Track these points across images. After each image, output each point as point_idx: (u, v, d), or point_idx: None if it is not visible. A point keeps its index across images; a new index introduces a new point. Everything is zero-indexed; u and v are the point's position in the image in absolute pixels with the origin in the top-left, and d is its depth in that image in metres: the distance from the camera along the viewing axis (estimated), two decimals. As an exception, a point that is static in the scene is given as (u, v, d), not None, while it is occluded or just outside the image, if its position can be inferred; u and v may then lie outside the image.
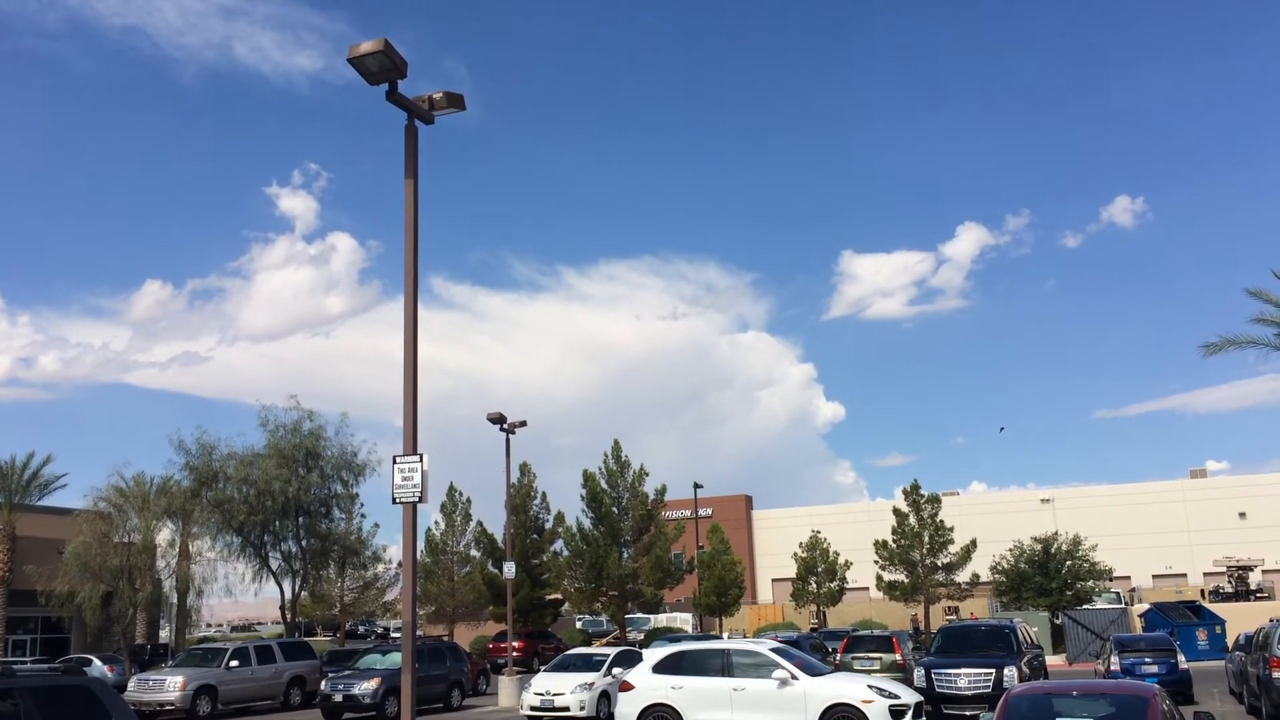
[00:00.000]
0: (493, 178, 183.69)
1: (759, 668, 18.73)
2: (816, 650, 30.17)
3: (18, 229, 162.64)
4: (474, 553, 53.50)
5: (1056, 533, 52.27)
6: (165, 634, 52.64)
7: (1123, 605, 53.04)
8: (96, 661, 37.02)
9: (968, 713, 20.71)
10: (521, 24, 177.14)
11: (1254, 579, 66.97)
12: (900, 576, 52.06)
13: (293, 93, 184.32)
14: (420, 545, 48.02)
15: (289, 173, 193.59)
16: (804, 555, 60.26)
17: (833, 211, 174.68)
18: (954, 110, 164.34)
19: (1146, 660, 26.43)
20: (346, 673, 28.66)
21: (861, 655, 26.86)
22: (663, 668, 19.50)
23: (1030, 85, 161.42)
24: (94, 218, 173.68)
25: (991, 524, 71.80)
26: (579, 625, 60.73)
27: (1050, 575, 49.16)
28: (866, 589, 65.26)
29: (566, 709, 23.79)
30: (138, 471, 41.78)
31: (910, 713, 17.86)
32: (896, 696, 18.07)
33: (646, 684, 19.31)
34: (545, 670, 26.95)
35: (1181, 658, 27.08)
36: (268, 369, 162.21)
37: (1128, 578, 78.47)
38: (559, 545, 51.49)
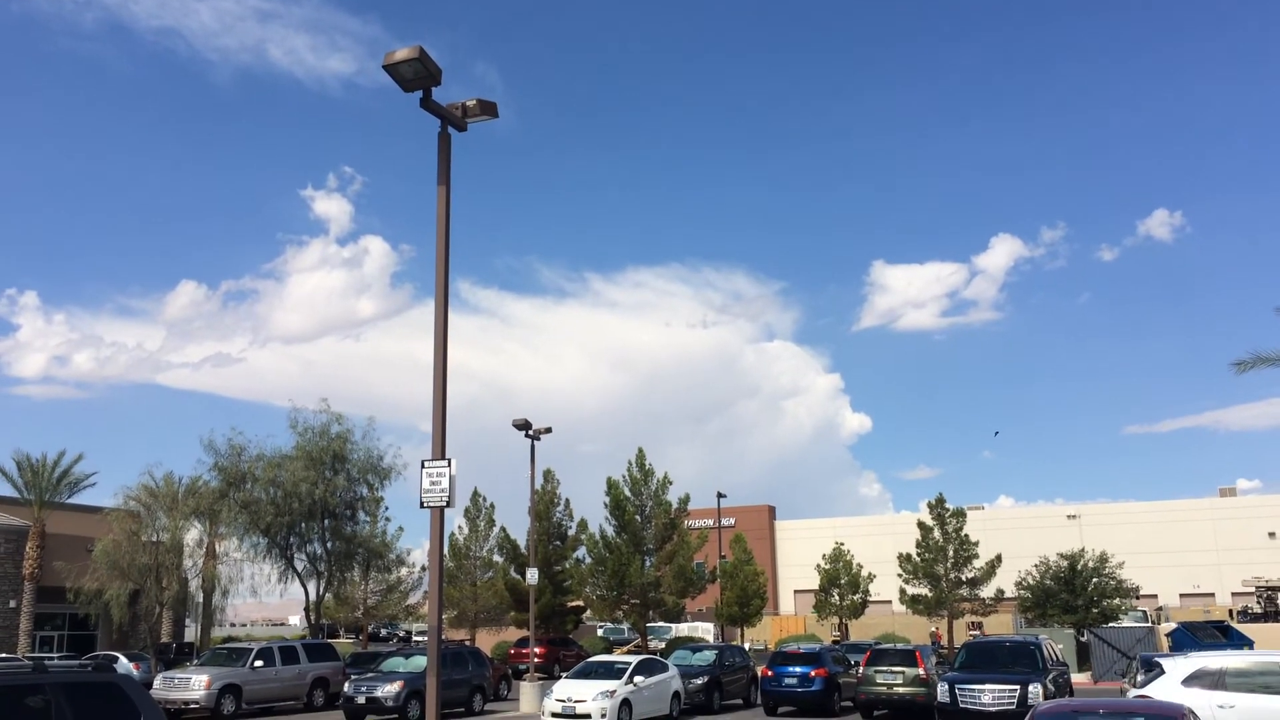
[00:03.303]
0: (521, 182, 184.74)
1: None
2: (840, 663, 30.06)
3: (53, 229, 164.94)
4: (497, 558, 53.60)
5: (1083, 549, 51.78)
6: (190, 633, 53.02)
7: (1149, 624, 52.54)
8: (123, 659, 37.31)
9: (992, 729, 20.55)
10: (554, 31, 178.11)
11: (1283, 600, 66.11)
12: (924, 590, 51.69)
13: (326, 96, 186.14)
14: (444, 550, 48.23)
15: (324, 176, 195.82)
16: (827, 567, 60.01)
17: (864, 221, 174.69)
18: (988, 120, 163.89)
19: (1174, 680, 26.11)
20: (369, 675, 28.80)
21: (884, 669, 26.66)
22: (1198, 682, 16.64)
23: (1067, 96, 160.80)
24: (129, 218, 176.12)
25: (1017, 539, 71.32)
26: (600, 633, 60.72)
27: (1076, 592, 48.67)
28: (889, 602, 64.95)
29: (588, 716, 23.80)
30: (167, 471, 42.14)
31: None
32: None
33: (1180, 700, 15.94)
34: (567, 677, 26.98)
35: (1209, 678, 26.75)
36: (298, 371, 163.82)
37: (1155, 596, 77.67)
38: (581, 552, 51.55)
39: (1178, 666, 17.31)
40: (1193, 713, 10.89)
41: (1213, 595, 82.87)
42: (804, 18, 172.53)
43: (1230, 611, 66.75)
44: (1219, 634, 43.48)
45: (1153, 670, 17.73)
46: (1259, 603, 64.31)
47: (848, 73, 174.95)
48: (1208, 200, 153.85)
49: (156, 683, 29.01)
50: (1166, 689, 16.72)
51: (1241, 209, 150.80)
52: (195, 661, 34.07)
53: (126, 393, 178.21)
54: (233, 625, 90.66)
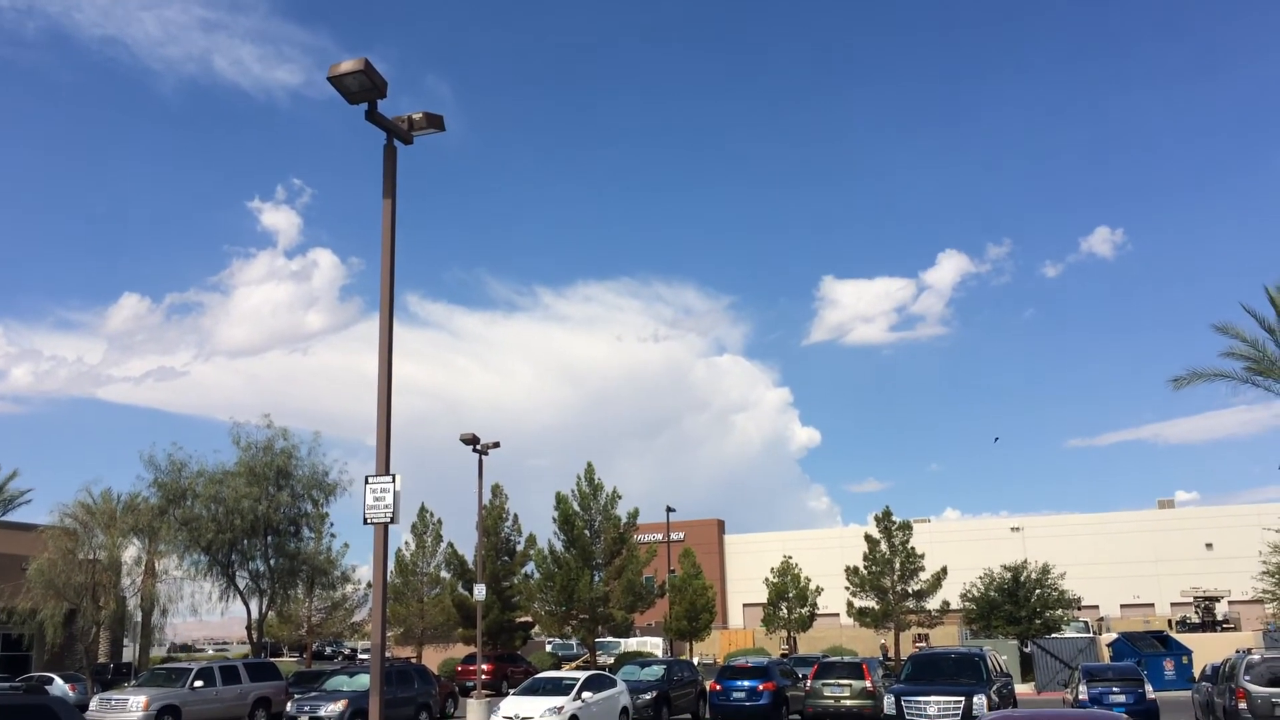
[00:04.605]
0: (470, 196, 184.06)
1: None
2: (787, 676, 30.14)
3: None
4: (444, 574, 53.14)
5: (1026, 561, 52.50)
6: (129, 653, 51.88)
7: (1091, 634, 53.31)
8: (58, 680, 36.44)
9: (937, 741, 20.73)
10: (504, 43, 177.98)
11: (1220, 610, 67.47)
12: (871, 603, 52.08)
13: (273, 107, 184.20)
14: (390, 566, 47.70)
15: (272, 187, 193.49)
16: (775, 580, 60.19)
17: (815, 237, 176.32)
18: (937, 138, 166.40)
19: (1114, 690, 26.57)
20: (313, 694, 28.34)
21: (832, 682, 26.81)
22: None
23: (1013, 115, 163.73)
24: (69, 229, 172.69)
25: (963, 551, 72.05)
26: (549, 648, 60.37)
27: (1019, 603, 49.34)
28: (837, 615, 65.25)
29: (535, 733, 23.61)
30: (105, 488, 41.22)
31: None
32: None
33: None
34: (514, 693, 26.77)
35: (1149, 687, 27.24)
36: (243, 385, 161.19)
37: (1096, 607, 78.88)
38: (530, 568, 51.25)
39: None
40: (1132, 722, 11.04)
41: (1152, 605, 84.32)
42: (754, 39, 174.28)
43: (1169, 621, 67.95)
44: (1158, 644, 44.29)
45: None
46: (1197, 613, 65.50)
47: (797, 91, 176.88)
48: (1148, 218, 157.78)
49: (93, 704, 28.36)
50: None
51: (1181, 227, 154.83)
52: (133, 682, 33.31)
53: (65, 407, 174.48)
54: (174, 645, 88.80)
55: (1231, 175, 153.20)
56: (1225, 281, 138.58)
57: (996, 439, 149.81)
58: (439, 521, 53.55)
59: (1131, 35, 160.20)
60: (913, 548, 52.05)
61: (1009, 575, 50.79)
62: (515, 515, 51.76)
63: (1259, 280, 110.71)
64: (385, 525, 13.32)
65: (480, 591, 34.76)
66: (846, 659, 30.57)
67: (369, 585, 49.09)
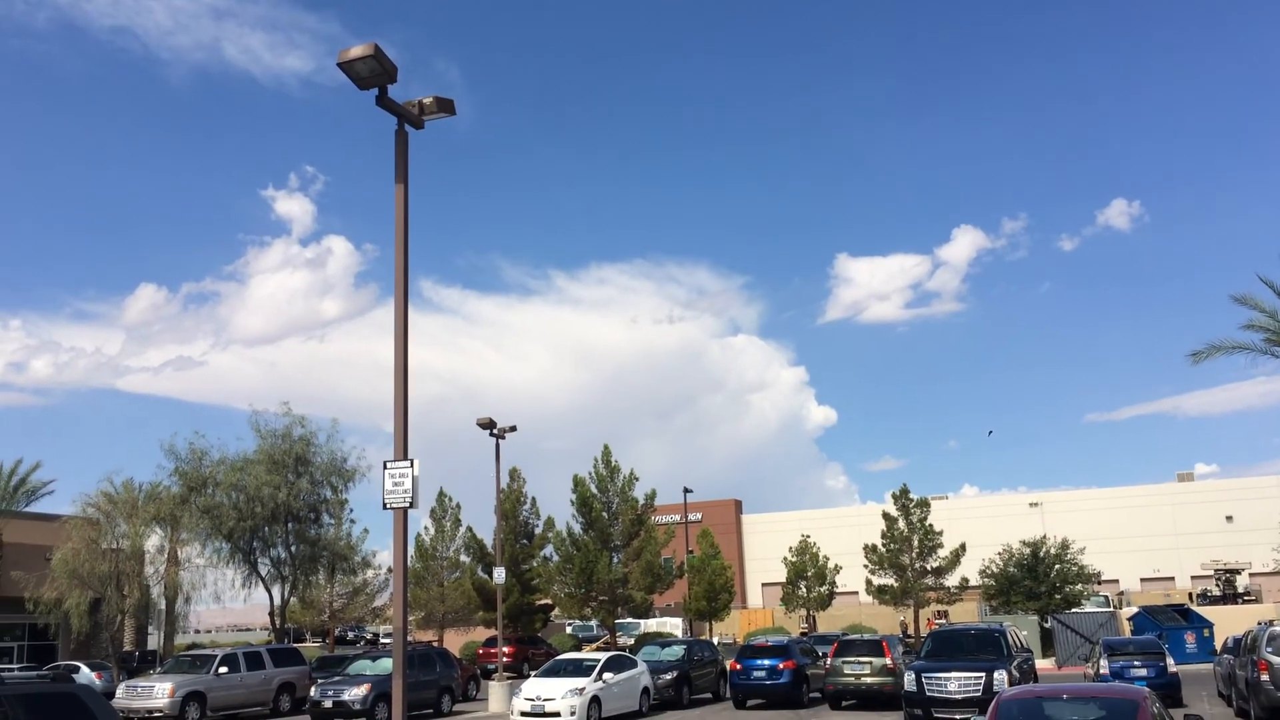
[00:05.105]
0: (483, 180, 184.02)
1: None
2: (807, 655, 30.22)
3: (7, 232, 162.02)
4: (464, 558, 53.41)
5: (1045, 536, 52.40)
6: (153, 641, 52.40)
7: (1111, 609, 53.28)
8: (84, 668, 36.80)
9: (958, 716, 20.72)
10: (514, 27, 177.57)
11: (1241, 582, 67.31)
12: (890, 580, 52.11)
13: (285, 94, 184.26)
14: (410, 551, 47.87)
15: (286, 175, 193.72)
16: (794, 560, 60.28)
17: (828, 215, 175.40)
18: (951, 113, 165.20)
19: (1135, 663, 26.54)
20: (336, 679, 28.57)
21: (852, 659, 26.85)
22: None
23: (1027, 88, 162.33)
24: (84, 221, 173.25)
25: (981, 528, 72.00)
26: (569, 630, 60.63)
27: (1039, 579, 49.28)
28: (856, 593, 65.35)
29: (557, 714, 23.73)
30: (127, 477, 41.55)
31: None
32: None
33: None
34: (535, 675, 26.92)
35: (1170, 661, 27.19)
36: (260, 374, 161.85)
37: (1116, 581, 78.71)
38: (549, 550, 51.41)
39: None
40: (1152, 695, 11.03)
41: (1173, 579, 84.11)
42: (764, 14, 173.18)
43: (1190, 595, 67.76)
44: (1179, 617, 44.22)
45: None
46: (1218, 585, 65.39)
47: (809, 67, 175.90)
48: (1165, 190, 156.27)
49: (119, 691, 28.61)
50: None
51: (1197, 198, 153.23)
52: (158, 669, 33.64)
53: (85, 398, 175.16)
54: (197, 632, 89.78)
55: (1249, 146, 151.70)
56: (1243, 253, 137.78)
57: (990, 432, 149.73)
58: (458, 506, 53.84)
59: (1146, 5, 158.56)
60: (931, 525, 52.03)
61: (1028, 551, 50.70)
62: (533, 498, 51.98)
63: (1277, 251, 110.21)
64: (404, 510, 13.37)
65: (500, 575, 34.91)
66: (866, 637, 30.60)
67: (389, 570, 49.37)
